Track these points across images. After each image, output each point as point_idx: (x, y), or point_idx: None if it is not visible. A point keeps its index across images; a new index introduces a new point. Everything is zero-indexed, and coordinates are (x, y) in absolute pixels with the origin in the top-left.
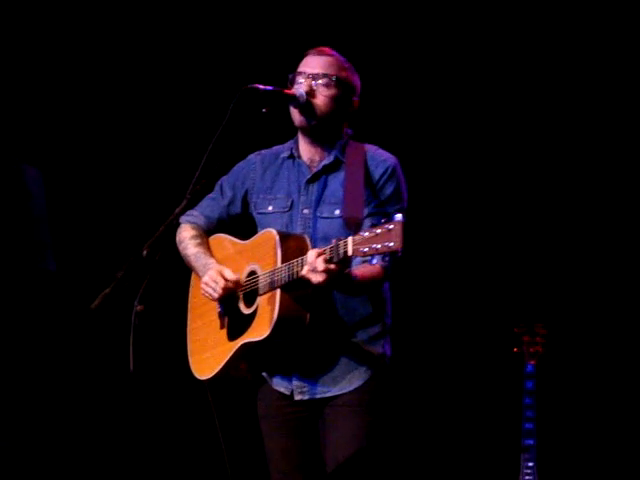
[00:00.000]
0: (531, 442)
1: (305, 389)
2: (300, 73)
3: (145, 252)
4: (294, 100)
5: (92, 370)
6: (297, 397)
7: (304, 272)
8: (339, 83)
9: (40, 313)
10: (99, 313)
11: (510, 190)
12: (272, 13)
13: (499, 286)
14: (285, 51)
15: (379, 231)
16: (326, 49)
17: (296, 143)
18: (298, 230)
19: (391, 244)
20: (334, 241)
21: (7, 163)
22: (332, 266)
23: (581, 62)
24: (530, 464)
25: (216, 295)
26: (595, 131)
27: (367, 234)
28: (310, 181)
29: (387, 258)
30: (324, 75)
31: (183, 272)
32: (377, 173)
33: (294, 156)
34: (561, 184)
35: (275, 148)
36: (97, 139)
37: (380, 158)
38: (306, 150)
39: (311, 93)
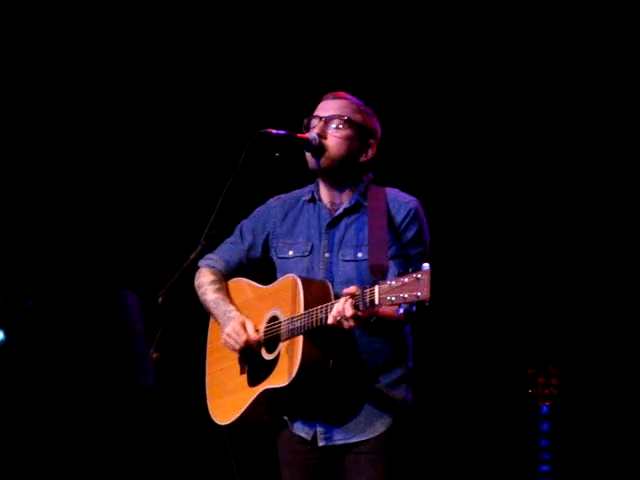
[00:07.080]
0: None
1: (328, 435)
2: (314, 117)
3: (160, 299)
4: (307, 143)
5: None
6: (321, 443)
7: (331, 320)
8: (351, 124)
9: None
10: None
11: (525, 234)
12: (289, 59)
13: (513, 329)
14: (303, 96)
15: (407, 280)
16: (341, 93)
17: (317, 186)
18: (319, 274)
19: (419, 293)
20: (360, 288)
21: (109, 291)
22: (360, 313)
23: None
24: None
25: (237, 347)
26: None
27: (394, 283)
28: (331, 225)
29: (414, 308)
30: (336, 117)
31: (200, 319)
32: (399, 216)
33: (315, 199)
34: (575, 227)
35: (295, 192)
36: (113, 183)
37: (402, 201)
38: (326, 193)
39: (323, 135)
